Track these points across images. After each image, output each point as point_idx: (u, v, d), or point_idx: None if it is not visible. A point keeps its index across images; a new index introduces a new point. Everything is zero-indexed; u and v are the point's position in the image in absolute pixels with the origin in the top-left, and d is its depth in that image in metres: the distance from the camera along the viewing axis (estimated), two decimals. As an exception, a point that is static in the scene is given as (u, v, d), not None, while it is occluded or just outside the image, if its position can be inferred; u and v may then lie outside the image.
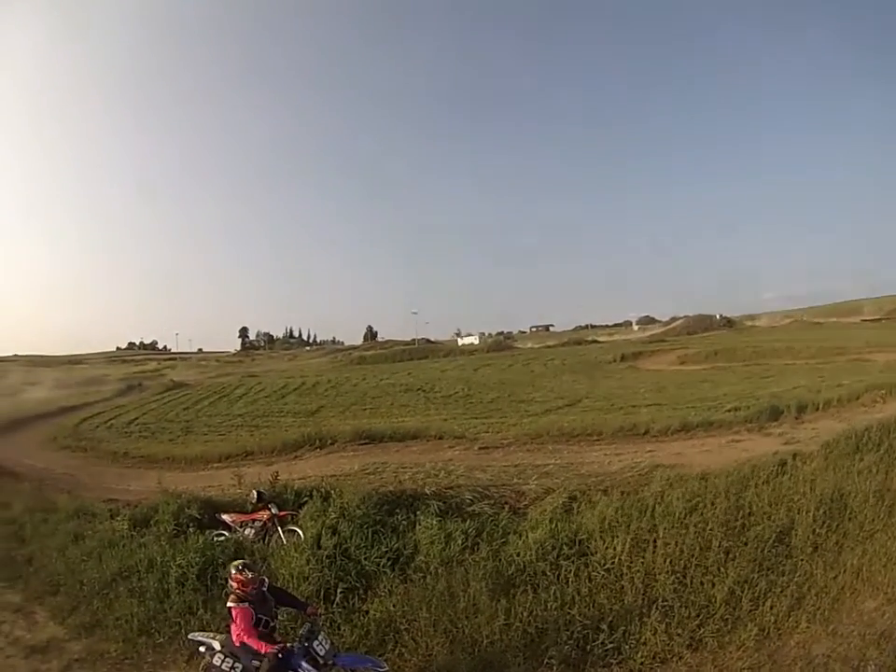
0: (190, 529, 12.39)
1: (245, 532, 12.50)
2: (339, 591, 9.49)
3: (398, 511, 12.04)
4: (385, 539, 10.73)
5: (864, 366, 35.53)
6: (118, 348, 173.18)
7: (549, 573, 9.38)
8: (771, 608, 8.24)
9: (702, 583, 8.91)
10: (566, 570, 9.37)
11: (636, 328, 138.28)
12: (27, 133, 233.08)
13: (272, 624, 7.30)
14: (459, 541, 10.38)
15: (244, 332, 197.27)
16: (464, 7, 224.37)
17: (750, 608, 8.33)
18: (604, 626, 8.12)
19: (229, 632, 7.27)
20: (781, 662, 7.54)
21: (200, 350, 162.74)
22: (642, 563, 9.40)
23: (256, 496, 12.91)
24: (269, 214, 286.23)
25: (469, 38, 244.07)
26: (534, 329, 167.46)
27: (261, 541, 12.17)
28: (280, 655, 6.75)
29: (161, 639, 9.06)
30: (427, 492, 13.07)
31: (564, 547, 9.91)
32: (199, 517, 13.04)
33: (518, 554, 9.86)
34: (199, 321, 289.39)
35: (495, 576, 9.33)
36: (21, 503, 15.84)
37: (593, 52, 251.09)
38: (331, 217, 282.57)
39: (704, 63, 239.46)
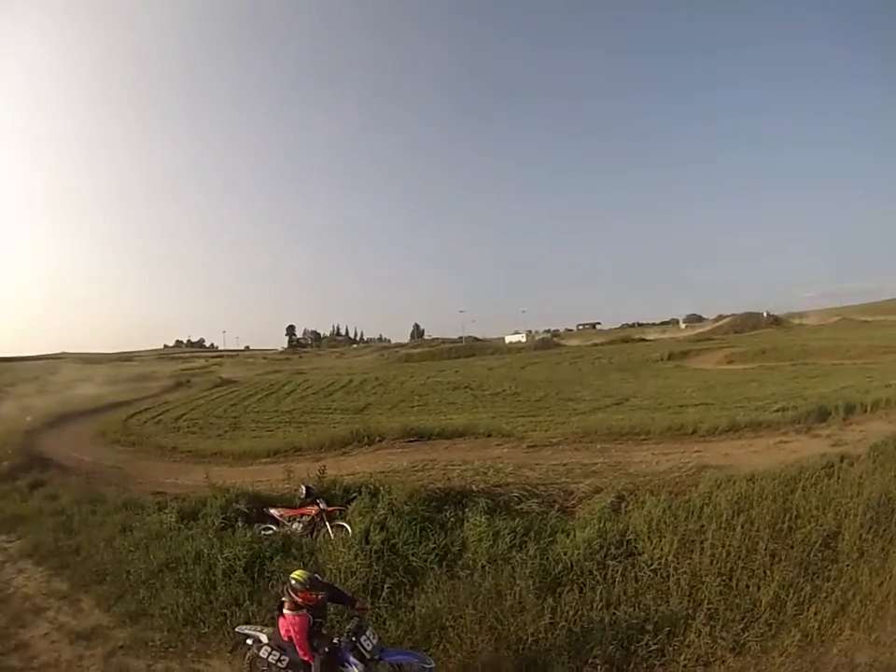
0: (238, 523, 12.54)
1: (293, 527, 12.56)
2: (386, 586, 9.54)
3: (446, 507, 12.07)
4: (433, 535, 10.76)
5: (914, 366, 34.87)
6: (165, 346, 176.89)
7: (596, 573, 9.33)
8: (815, 613, 8.10)
9: (747, 586, 8.80)
10: (612, 570, 9.32)
11: (683, 326, 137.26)
12: (81, 131, 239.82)
13: (324, 625, 7.41)
14: (507, 539, 10.34)
15: (290, 330, 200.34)
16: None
17: (794, 612, 8.21)
18: (649, 627, 8.06)
19: (275, 625, 7.35)
20: (823, 669, 7.44)
21: (247, 348, 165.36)
22: (689, 564, 9.33)
23: (304, 491, 12.99)
24: (315, 214, 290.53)
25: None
26: (581, 327, 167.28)
27: (309, 536, 12.20)
28: (324, 656, 6.85)
29: (206, 630, 9.16)
30: (476, 489, 13.02)
31: (612, 547, 9.87)
32: (247, 511, 13.15)
33: (565, 553, 9.80)
34: (246, 319, 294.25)
35: (541, 574, 9.30)
36: (70, 495, 16.18)
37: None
38: (378, 217, 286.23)
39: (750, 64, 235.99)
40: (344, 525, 12.02)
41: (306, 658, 6.87)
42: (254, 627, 7.99)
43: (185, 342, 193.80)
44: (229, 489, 14.04)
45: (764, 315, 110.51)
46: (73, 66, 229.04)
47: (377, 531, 10.78)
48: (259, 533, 12.07)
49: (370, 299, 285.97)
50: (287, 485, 14.73)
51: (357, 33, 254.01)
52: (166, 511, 13.57)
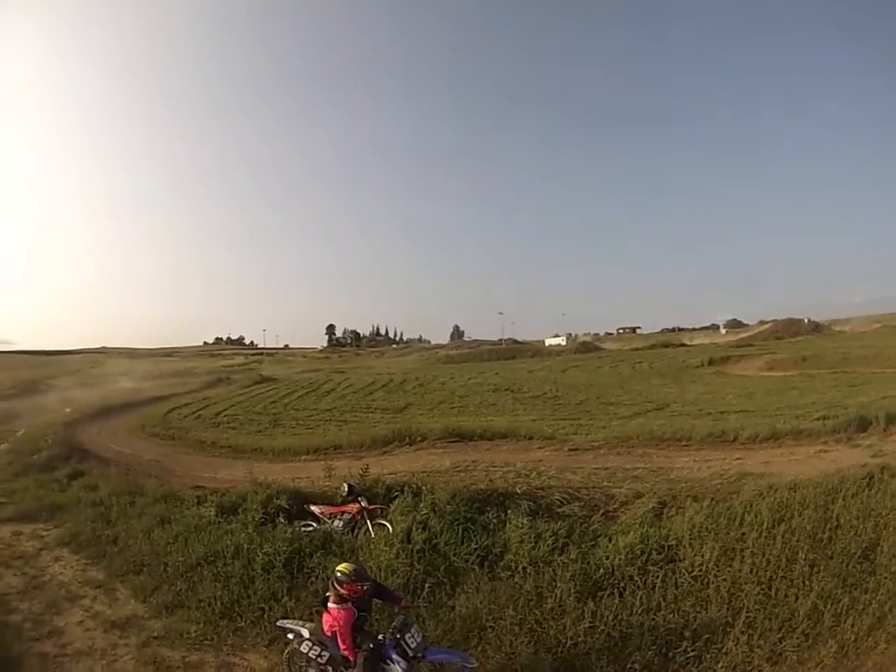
0: (279, 519, 12.59)
1: (334, 524, 12.56)
2: (427, 585, 9.52)
3: (488, 509, 11.96)
4: (474, 536, 10.68)
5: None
6: (205, 343, 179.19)
7: (636, 578, 9.24)
8: (852, 625, 7.91)
9: (786, 596, 8.64)
10: (653, 576, 9.22)
11: (723, 331, 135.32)
12: (124, 135, 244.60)
13: (368, 619, 7.43)
14: (549, 542, 10.23)
15: (330, 329, 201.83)
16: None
17: (832, 624, 8.02)
18: (687, 634, 7.97)
19: (317, 620, 7.35)
20: (858, 682, 7.36)
21: (286, 346, 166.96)
22: (729, 572, 9.19)
23: (346, 488, 12.97)
24: (357, 215, 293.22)
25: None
26: (621, 331, 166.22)
27: (350, 534, 12.20)
28: (368, 652, 6.86)
29: (243, 623, 9.17)
30: (518, 491, 12.94)
31: (653, 552, 9.75)
32: (287, 507, 13.19)
33: (607, 558, 9.71)
34: (286, 318, 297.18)
35: (582, 578, 9.20)
36: (109, 486, 16.31)
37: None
38: (419, 219, 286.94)
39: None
40: (385, 523, 11.99)
41: (348, 652, 6.87)
42: (295, 622, 7.96)
43: (225, 339, 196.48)
44: (270, 485, 14.11)
45: (805, 321, 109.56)
46: (110, 70, 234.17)
47: (419, 530, 10.73)
48: (300, 529, 12.07)
49: (410, 299, 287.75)
50: (327, 483, 14.74)
51: (385, 29, 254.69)
52: (205, 504, 13.60)
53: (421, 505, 11.80)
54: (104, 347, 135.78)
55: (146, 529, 12.76)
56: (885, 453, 15.19)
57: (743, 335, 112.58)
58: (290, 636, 7.73)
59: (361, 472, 14.07)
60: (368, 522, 12.37)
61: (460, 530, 10.76)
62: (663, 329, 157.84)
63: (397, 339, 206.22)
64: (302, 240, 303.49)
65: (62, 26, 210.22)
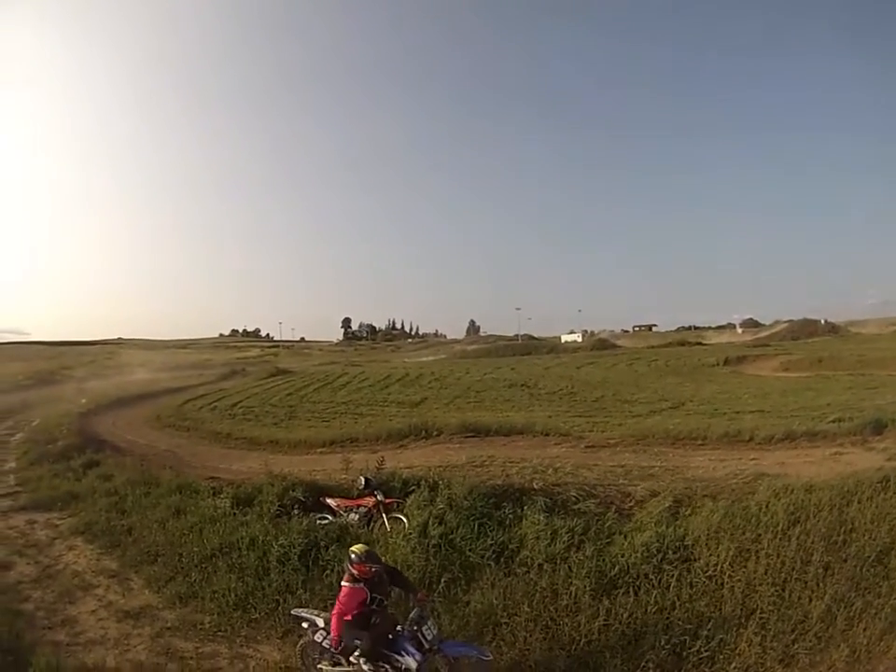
0: (294, 511, 12.59)
1: (350, 517, 12.59)
2: (442, 580, 9.58)
3: (504, 504, 11.92)
4: (490, 531, 10.71)
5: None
6: (221, 335, 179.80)
7: (651, 576, 9.27)
8: (864, 629, 7.93)
9: (799, 598, 8.65)
10: (668, 575, 9.26)
11: (739, 330, 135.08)
12: (141, 125, 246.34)
13: (385, 603, 7.45)
14: (565, 539, 10.24)
15: (346, 323, 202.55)
16: None
17: (844, 627, 8.04)
18: (701, 634, 8.02)
19: (332, 610, 7.33)
20: (870, 687, 7.34)
21: (302, 339, 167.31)
22: (744, 572, 9.22)
23: (363, 482, 12.95)
24: (374, 208, 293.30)
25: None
26: (637, 329, 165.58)
27: (365, 527, 12.22)
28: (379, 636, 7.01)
29: (257, 615, 9.24)
30: (535, 487, 12.91)
31: (669, 551, 9.78)
32: (303, 500, 13.18)
33: (622, 556, 9.74)
34: (302, 311, 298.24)
35: (597, 575, 9.25)
36: (124, 476, 16.36)
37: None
38: (437, 213, 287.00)
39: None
40: (401, 517, 12.03)
41: (335, 627, 7.06)
42: (311, 610, 8.05)
43: (241, 331, 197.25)
44: (285, 477, 14.11)
45: (822, 322, 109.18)
46: (118, 68, 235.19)
47: (435, 525, 10.78)
48: (315, 522, 12.11)
49: (426, 294, 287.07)
50: (344, 475, 14.76)
51: (387, 30, 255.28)
52: (221, 496, 13.63)
53: (438, 499, 11.82)
54: (119, 338, 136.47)
55: (160, 520, 12.83)
56: (901, 456, 15.14)
57: (759, 335, 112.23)
58: (305, 625, 7.80)
59: (378, 465, 14.05)
60: (384, 515, 12.38)
61: (476, 525, 10.81)
62: (678, 328, 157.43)
63: (413, 333, 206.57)
64: (319, 234, 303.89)
65: (71, 20, 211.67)
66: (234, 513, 12.65)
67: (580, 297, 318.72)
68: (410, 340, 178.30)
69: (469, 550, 10.26)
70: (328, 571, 9.91)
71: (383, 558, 9.10)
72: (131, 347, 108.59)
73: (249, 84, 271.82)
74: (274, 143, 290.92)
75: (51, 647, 8.56)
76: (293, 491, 13.34)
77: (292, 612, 8.21)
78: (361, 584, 7.17)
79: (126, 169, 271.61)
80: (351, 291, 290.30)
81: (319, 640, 7.49)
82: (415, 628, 7.04)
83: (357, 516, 12.57)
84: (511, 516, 11.38)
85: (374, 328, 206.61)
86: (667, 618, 8.37)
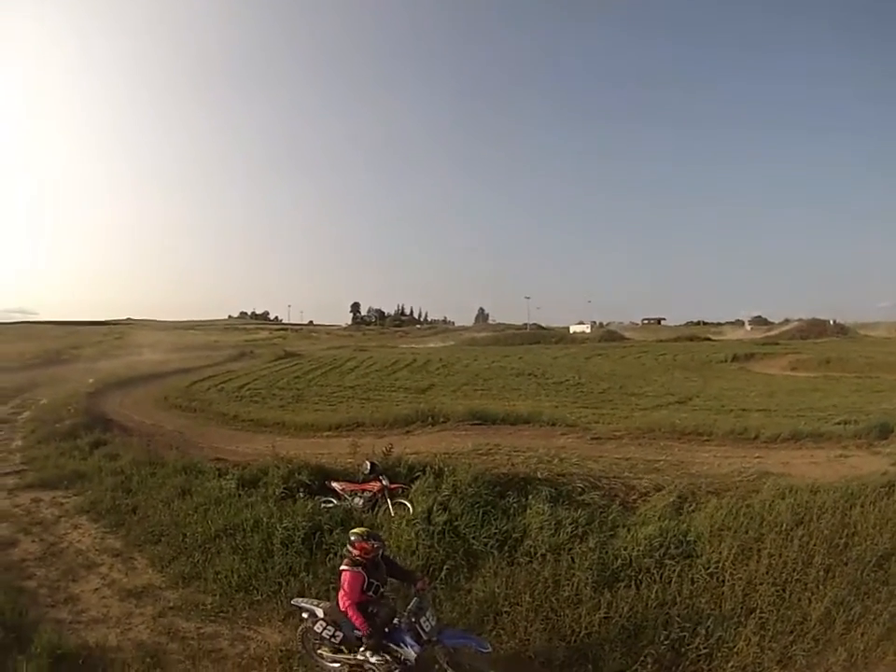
0: (299, 494, 12.61)
1: (355, 501, 12.62)
2: (445, 567, 9.60)
3: (509, 493, 11.95)
4: (494, 520, 10.72)
5: None
6: (230, 316, 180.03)
7: (653, 571, 9.27)
8: (862, 634, 7.90)
9: (799, 599, 8.64)
10: (670, 570, 9.25)
11: (748, 327, 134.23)
12: (156, 112, 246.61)
13: (381, 590, 7.44)
14: (568, 529, 10.26)
15: (355, 307, 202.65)
16: None
17: (842, 631, 8.03)
18: (701, 631, 8.00)
19: (333, 599, 7.45)
20: (866, 692, 7.33)
21: (311, 322, 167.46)
22: (745, 571, 9.21)
23: (369, 466, 13.00)
24: (385, 195, 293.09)
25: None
26: (645, 322, 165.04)
27: (370, 512, 12.25)
28: (367, 634, 7.02)
29: (259, 597, 9.26)
30: (540, 477, 12.94)
31: (671, 546, 9.78)
32: (308, 483, 13.22)
33: (625, 549, 9.75)
34: (312, 294, 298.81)
35: (600, 568, 9.25)
36: (130, 455, 16.39)
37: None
38: (447, 200, 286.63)
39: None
40: (406, 503, 12.04)
41: (353, 615, 7.01)
42: (310, 601, 8.03)
43: (249, 314, 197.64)
44: (291, 459, 14.14)
45: (831, 322, 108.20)
46: (129, 49, 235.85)
47: (440, 512, 10.79)
48: (320, 505, 12.16)
49: (435, 280, 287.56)
50: (350, 460, 14.78)
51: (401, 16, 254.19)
52: (226, 477, 13.68)
53: (443, 486, 11.82)
54: (128, 319, 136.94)
55: (165, 499, 12.85)
56: (905, 461, 15.11)
57: (768, 333, 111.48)
58: (304, 615, 7.79)
59: (384, 451, 14.11)
60: (388, 501, 12.44)
61: (480, 513, 10.82)
62: (687, 322, 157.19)
63: (421, 319, 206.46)
64: (330, 218, 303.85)
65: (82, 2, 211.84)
66: (239, 495, 12.68)
67: (589, 288, 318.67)
68: (418, 326, 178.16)
69: (473, 537, 10.26)
70: (331, 555, 9.90)
71: (387, 543, 9.16)
72: (139, 328, 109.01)
73: (260, 67, 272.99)
74: (284, 126, 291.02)
75: (54, 625, 8.58)
76: (299, 474, 13.38)
77: (292, 602, 8.19)
78: (360, 568, 7.18)
79: (134, 151, 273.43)
80: (360, 276, 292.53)
81: (319, 630, 7.49)
82: (413, 619, 7.05)
83: (362, 501, 12.59)
84: (515, 505, 11.40)
85: (383, 313, 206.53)
86: (667, 613, 8.35)
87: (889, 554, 9.49)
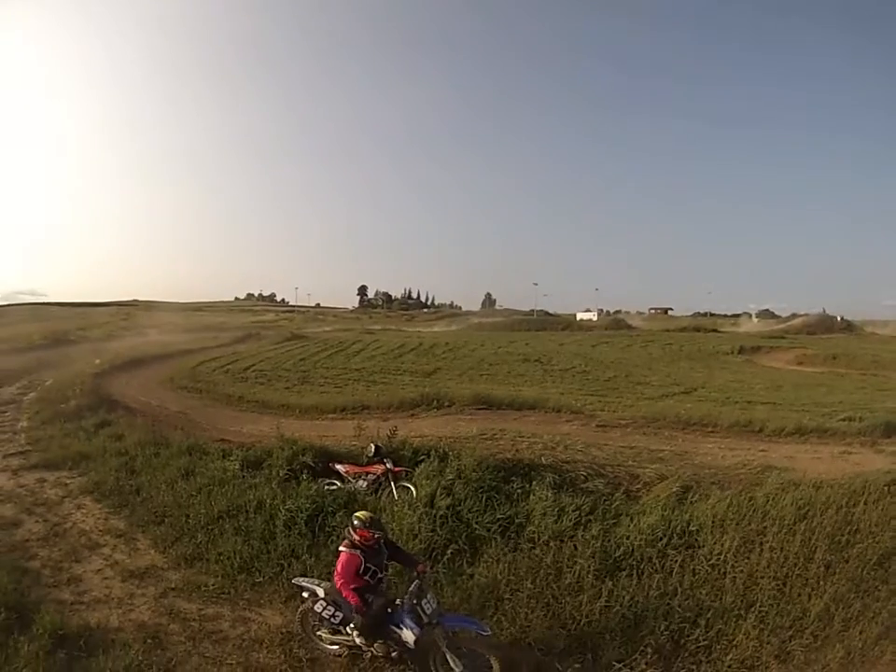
0: (303, 476, 12.60)
1: (358, 484, 12.65)
2: (448, 552, 9.60)
3: (513, 478, 12.01)
4: (498, 505, 10.73)
5: None
6: (236, 298, 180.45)
7: (655, 560, 9.29)
8: (860, 632, 7.85)
9: (799, 594, 8.62)
10: (672, 560, 9.26)
11: (755, 320, 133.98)
12: (164, 97, 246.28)
13: (379, 576, 7.43)
14: (572, 516, 10.27)
15: (362, 290, 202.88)
16: None
17: (841, 628, 7.98)
18: (701, 622, 8.00)
19: (333, 580, 7.36)
20: (862, 691, 7.32)
21: (318, 305, 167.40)
22: (746, 564, 9.21)
23: (373, 449, 13.04)
24: (394, 177, 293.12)
25: None
26: (652, 311, 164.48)
27: (373, 495, 12.26)
28: (362, 611, 7.05)
29: (261, 579, 9.29)
30: (544, 463, 13.03)
31: (674, 536, 9.80)
32: (312, 465, 13.23)
33: (628, 537, 9.77)
34: (319, 277, 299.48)
35: (602, 556, 9.27)
36: (135, 436, 16.38)
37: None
38: (456, 185, 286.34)
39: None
40: (409, 486, 12.10)
41: (347, 595, 7.05)
42: (311, 580, 8.06)
43: (256, 295, 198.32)
44: (296, 441, 14.16)
45: (838, 319, 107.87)
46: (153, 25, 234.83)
47: (443, 496, 10.79)
48: (324, 487, 12.15)
49: (443, 264, 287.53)
50: (354, 442, 14.82)
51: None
52: (230, 458, 13.70)
53: (447, 470, 11.87)
54: (135, 300, 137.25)
55: (169, 480, 12.88)
56: (908, 460, 15.07)
57: (775, 327, 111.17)
58: (305, 594, 7.83)
59: (389, 434, 14.11)
60: (392, 484, 12.48)
61: (484, 498, 10.84)
62: (695, 313, 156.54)
63: (428, 303, 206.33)
64: (339, 199, 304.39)
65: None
66: (243, 476, 12.73)
67: (597, 276, 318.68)
68: (425, 310, 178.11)
69: (476, 522, 10.25)
70: (333, 537, 9.89)
71: (389, 526, 9.17)
72: (146, 309, 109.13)
73: (271, 49, 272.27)
74: (293, 108, 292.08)
75: (56, 605, 8.62)
76: (303, 455, 13.39)
77: (293, 581, 8.24)
78: (357, 551, 7.21)
79: (145, 134, 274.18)
80: (368, 259, 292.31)
81: (319, 610, 7.51)
82: (415, 602, 7.04)
83: (366, 483, 12.62)
84: (519, 491, 11.46)
85: (390, 296, 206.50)
86: (668, 604, 8.34)
87: (890, 553, 9.48)
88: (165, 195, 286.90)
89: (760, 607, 8.27)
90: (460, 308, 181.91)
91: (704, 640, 7.72)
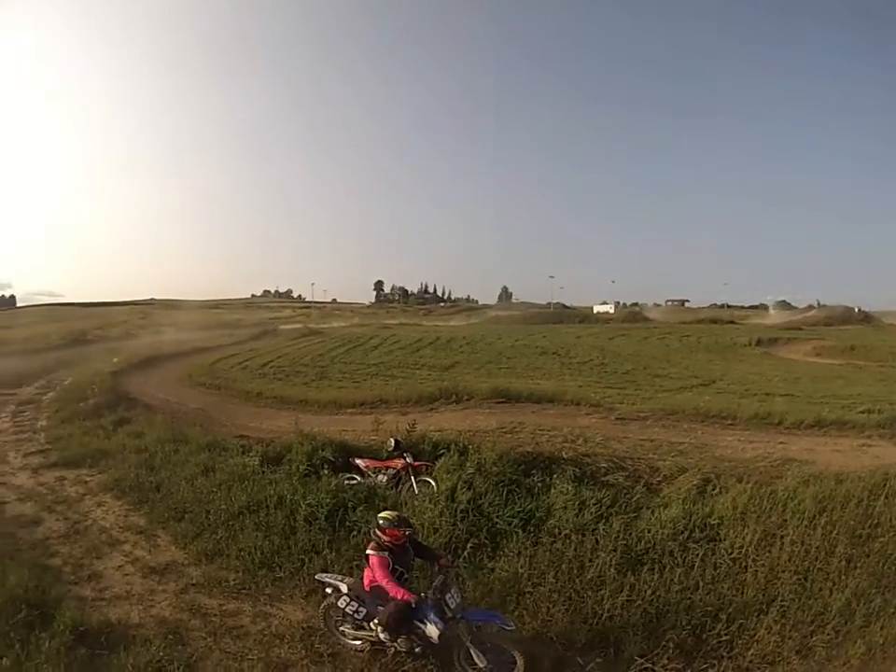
0: (323, 471, 12.72)
1: (378, 478, 12.67)
2: (469, 546, 9.61)
3: (534, 472, 11.98)
4: (519, 499, 10.72)
5: None
6: (253, 295, 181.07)
7: (677, 554, 9.23)
8: (881, 628, 7.74)
9: (821, 589, 8.51)
10: (693, 554, 9.20)
11: (772, 311, 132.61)
12: (182, 92, 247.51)
13: (405, 576, 7.42)
14: (593, 510, 10.23)
15: (379, 285, 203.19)
16: None
17: (862, 624, 7.87)
18: (722, 617, 7.90)
19: (357, 575, 7.55)
20: (883, 687, 7.25)
21: (334, 300, 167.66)
22: (768, 557, 9.12)
23: (393, 443, 13.08)
24: (406, 173, 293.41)
25: None
26: (669, 303, 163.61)
27: (393, 489, 12.28)
28: (413, 605, 6.92)
29: (282, 574, 9.31)
30: (565, 456, 12.93)
31: (696, 529, 9.75)
32: (332, 460, 13.34)
33: (649, 531, 9.72)
34: (335, 273, 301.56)
35: (624, 549, 9.22)
36: (154, 433, 16.54)
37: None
38: (469, 180, 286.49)
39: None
40: (430, 480, 12.10)
41: (395, 593, 6.95)
42: (334, 576, 8.05)
43: (273, 292, 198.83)
44: (315, 436, 14.22)
45: (856, 310, 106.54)
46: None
47: (464, 490, 10.76)
48: (344, 482, 12.20)
49: (458, 259, 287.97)
50: (374, 437, 14.88)
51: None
52: (250, 454, 13.81)
53: (467, 464, 11.84)
54: (151, 299, 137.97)
55: (189, 477, 12.94)
56: (927, 453, 14.94)
57: (792, 318, 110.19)
58: (328, 590, 7.83)
59: (409, 428, 14.13)
60: (412, 478, 12.49)
61: (505, 492, 10.82)
62: (711, 305, 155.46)
63: (445, 297, 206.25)
64: (353, 195, 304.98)
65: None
66: (263, 472, 12.78)
67: (613, 268, 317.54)
68: (442, 304, 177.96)
69: (497, 516, 10.22)
70: (354, 532, 9.96)
71: (415, 528, 9.14)
72: (163, 307, 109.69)
73: (284, 43, 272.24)
74: (302, 103, 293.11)
75: (77, 602, 8.68)
76: (322, 451, 13.48)
77: (316, 577, 8.24)
78: (385, 553, 7.21)
79: (157, 130, 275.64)
80: (383, 254, 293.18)
81: (342, 606, 7.52)
82: (439, 596, 7.03)
83: (386, 478, 12.65)
84: (539, 484, 11.42)
85: (406, 291, 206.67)
86: (689, 598, 8.30)
87: (910, 547, 9.42)
88: (178, 195, 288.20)
89: (781, 601, 8.21)
90: (477, 302, 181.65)
91: (725, 635, 7.65)
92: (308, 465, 12.90)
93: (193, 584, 9.27)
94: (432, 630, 6.96)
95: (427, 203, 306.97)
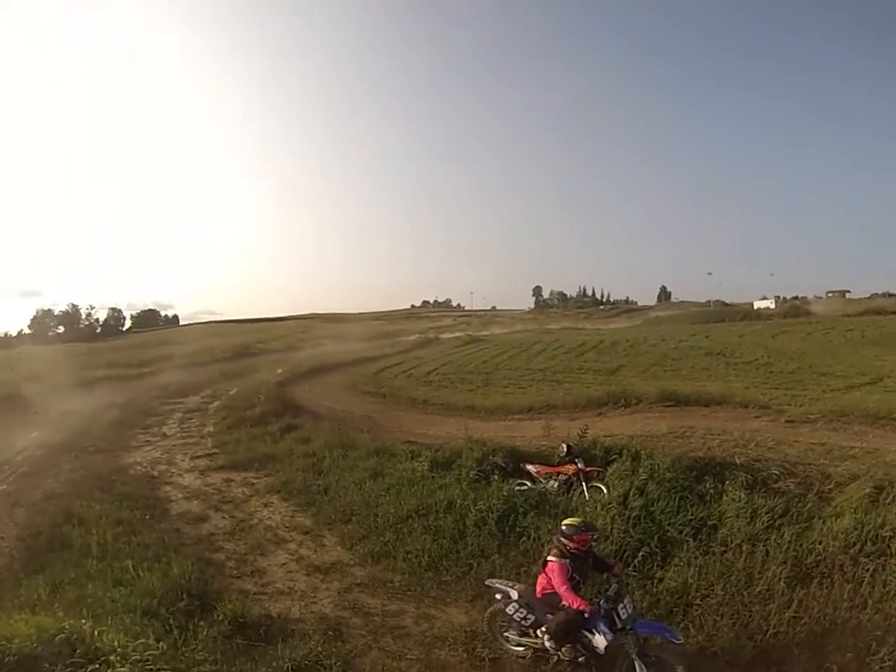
0: (494, 476, 12.73)
1: (549, 484, 12.63)
2: (640, 554, 9.42)
3: (706, 478, 11.70)
4: (690, 506, 10.49)
5: None
6: (412, 306, 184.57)
7: (847, 569, 8.70)
8: None
9: None
10: (863, 568, 8.63)
11: None
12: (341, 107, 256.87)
13: (581, 585, 7.42)
14: (764, 519, 9.90)
15: (537, 291, 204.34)
16: None
17: None
18: (890, 640, 7.28)
19: (529, 583, 7.56)
20: None
21: (493, 308, 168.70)
22: None
23: (565, 449, 13.02)
24: (560, 174, 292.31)
25: None
26: (829, 294, 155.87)
27: (564, 495, 12.18)
28: (587, 615, 6.86)
29: (448, 577, 9.43)
30: (737, 462, 12.59)
31: (867, 542, 9.14)
32: (503, 465, 13.35)
33: (820, 543, 9.25)
34: (493, 281, 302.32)
35: (794, 562, 8.84)
36: (321, 439, 17.15)
37: None
38: (624, 176, 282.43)
39: None
40: (601, 486, 11.99)
41: (573, 602, 6.88)
42: (505, 582, 8.06)
43: (432, 302, 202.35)
44: (485, 442, 14.33)
45: None
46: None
47: (636, 496, 10.65)
48: (514, 488, 12.21)
49: (616, 261, 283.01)
50: (543, 442, 14.85)
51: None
52: (419, 459, 14.06)
53: (640, 470, 11.71)
54: (313, 314, 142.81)
55: (357, 481, 13.35)
56: None
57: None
58: (497, 595, 7.83)
59: (580, 433, 14.04)
60: (584, 484, 12.37)
61: (677, 499, 10.62)
62: (872, 294, 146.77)
63: (604, 300, 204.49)
64: (510, 203, 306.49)
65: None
66: (432, 476, 13.04)
67: (770, 260, 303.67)
68: (601, 307, 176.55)
69: (668, 524, 10.04)
70: (524, 538, 9.99)
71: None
72: (324, 321, 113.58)
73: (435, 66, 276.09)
74: (446, 115, 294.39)
75: (238, 595, 9.06)
76: (493, 456, 13.57)
77: (486, 583, 8.26)
78: (567, 560, 7.17)
79: (321, 151, 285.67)
80: (541, 260, 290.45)
81: (511, 612, 7.52)
82: (611, 606, 6.93)
83: (557, 484, 12.58)
84: (711, 491, 11.12)
85: (565, 295, 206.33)
86: (857, 617, 7.80)
87: None
88: (338, 213, 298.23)
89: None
90: (636, 303, 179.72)
91: (889, 661, 7.09)
92: (478, 470, 13.01)
93: (357, 584, 9.54)
94: (600, 640, 6.89)
95: (583, 210, 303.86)
